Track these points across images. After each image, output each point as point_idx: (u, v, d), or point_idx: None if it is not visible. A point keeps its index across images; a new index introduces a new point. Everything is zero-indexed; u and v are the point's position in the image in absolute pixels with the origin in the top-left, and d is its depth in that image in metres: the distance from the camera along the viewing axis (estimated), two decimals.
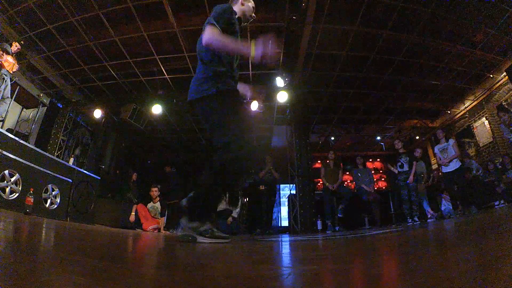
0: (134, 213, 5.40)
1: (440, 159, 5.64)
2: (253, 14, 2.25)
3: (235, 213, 6.03)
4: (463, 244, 1.28)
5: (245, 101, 6.00)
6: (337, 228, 6.01)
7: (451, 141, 5.59)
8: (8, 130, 5.13)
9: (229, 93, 1.94)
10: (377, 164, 12.03)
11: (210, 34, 1.83)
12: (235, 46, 1.90)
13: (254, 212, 6.61)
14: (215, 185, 1.85)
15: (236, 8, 2.17)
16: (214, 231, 1.79)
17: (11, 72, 4.57)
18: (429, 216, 6.24)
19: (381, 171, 11.86)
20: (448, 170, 5.47)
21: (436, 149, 5.80)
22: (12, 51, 4.67)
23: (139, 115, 7.62)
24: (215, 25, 1.87)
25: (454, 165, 5.38)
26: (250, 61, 6.61)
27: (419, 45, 6.14)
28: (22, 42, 5.12)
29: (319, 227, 6.33)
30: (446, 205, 6.47)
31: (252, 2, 2.23)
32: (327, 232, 5.64)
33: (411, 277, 0.65)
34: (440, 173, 8.44)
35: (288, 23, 5.53)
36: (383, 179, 11.67)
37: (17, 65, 4.71)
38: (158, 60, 6.61)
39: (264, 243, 2.52)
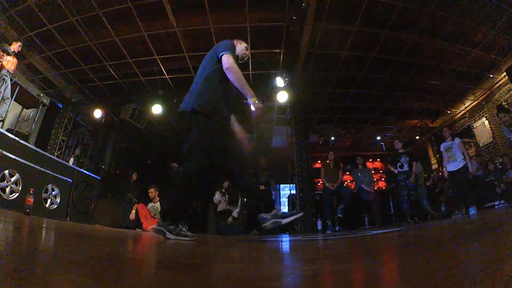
0: (134, 212, 5.47)
1: (444, 158, 5.59)
2: (247, 52, 2.52)
3: (235, 213, 6.03)
4: (463, 244, 1.28)
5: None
6: (337, 228, 6.00)
7: (457, 140, 5.53)
8: (8, 130, 5.11)
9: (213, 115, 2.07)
10: (377, 164, 12.03)
11: (231, 62, 2.06)
12: (245, 85, 2.08)
13: (252, 212, 6.61)
14: (182, 192, 2.05)
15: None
16: (180, 230, 2.02)
17: (11, 70, 4.56)
18: (429, 216, 6.24)
19: (381, 171, 11.86)
20: (452, 169, 5.41)
21: (442, 147, 5.74)
22: (14, 50, 4.65)
23: (139, 115, 7.60)
24: (231, 54, 2.10)
25: (458, 164, 5.33)
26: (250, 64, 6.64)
27: (419, 45, 6.13)
28: (21, 42, 5.10)
29: (319, 227, 6.32)
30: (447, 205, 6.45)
31: (245, 43, 2.49)
32: (327, 232, 5.63)
33: (411, 277, 0.65)
34: (440, 174, 8.43)
35: (288, 23, 5.52)
36: (383, 179, 11.66)
37: (16, 64, 4.68)
38: (158, 60, 6.60)
39: (264, 243, 2.52)
